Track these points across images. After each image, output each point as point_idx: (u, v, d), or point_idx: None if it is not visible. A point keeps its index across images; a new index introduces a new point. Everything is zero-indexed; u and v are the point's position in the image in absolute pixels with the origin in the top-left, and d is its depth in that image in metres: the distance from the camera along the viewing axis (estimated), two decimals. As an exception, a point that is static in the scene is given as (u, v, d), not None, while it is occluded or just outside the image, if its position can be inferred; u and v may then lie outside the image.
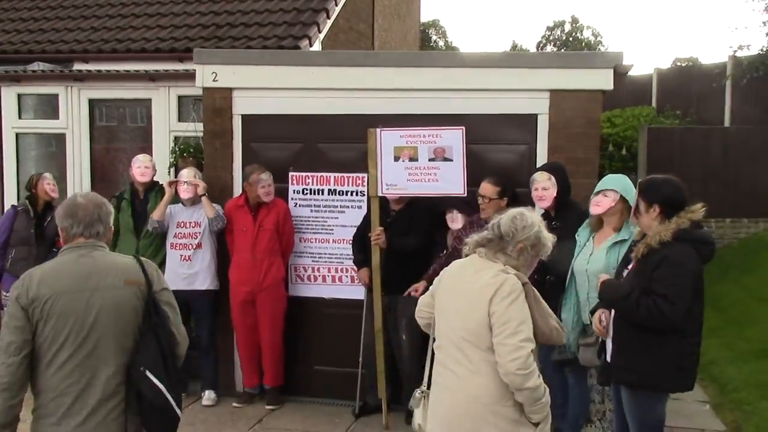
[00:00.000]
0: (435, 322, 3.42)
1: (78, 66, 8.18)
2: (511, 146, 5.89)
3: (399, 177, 5.37)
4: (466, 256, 3.41)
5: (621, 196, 4.50)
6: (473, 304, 3.17)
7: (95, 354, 3.01)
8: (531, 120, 5.82)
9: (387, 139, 5.38)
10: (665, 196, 3.87)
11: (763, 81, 12.57)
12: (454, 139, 5.27)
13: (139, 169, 6.21)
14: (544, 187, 5.03)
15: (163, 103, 7.20)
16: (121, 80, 7.33)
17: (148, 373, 3.02)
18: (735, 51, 13.43)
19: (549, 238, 3.32)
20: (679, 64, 18.30)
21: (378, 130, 5.39)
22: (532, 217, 3.32)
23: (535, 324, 3.16)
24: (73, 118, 7.38)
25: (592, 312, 4.26)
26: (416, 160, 5.35)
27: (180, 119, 7.18)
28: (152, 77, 7.13)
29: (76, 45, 8.41)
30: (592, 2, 54.62)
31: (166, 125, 7.22)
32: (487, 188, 5.25)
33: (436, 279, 3.51)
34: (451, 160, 5.29)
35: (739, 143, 11.41)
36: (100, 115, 7.48)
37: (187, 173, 6.03)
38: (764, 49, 12.96)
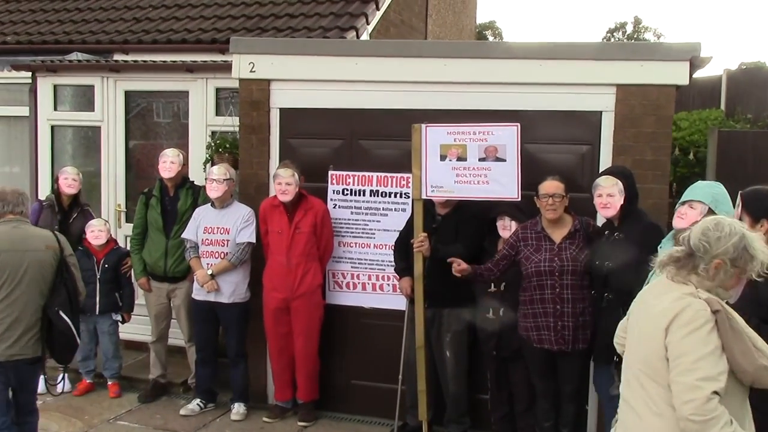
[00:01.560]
0: None
1: (117, 57, 7.86)
2: (571, 146, 5.34)
3: (445, 178, 4.86)
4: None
5: (710, 209, 3.91)
6: (650, 333, 2.74)
7: (23, 297, 4.21)
8: (594, 117, 5.27)
9: (433, 136, 4.88)
10: None
11: (843, 82, 11.65)
12: (507, 137, 4.74)
13: (165, 164, 5.82)
14: (610, 193, 4.46)
15: (201, 95, 6.80)
16: (157, 71, 6.97)
17: (61, 313, 4.28)
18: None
19: (760, 250, 2.72)
20: (744, 68, 17.34)
21: (423, 125, 4.90)
22: (732, 225, 2.76)
23: (733, 360, 2.61)
24: (108, 111, 7.05)
25: None
26: (465, 159, 4.83)
27: (218, 113, 6.79)
28: (189, 68, 6.75)
29: (116, 36, 8.10)
30: (655, 3, 53.01)
31: (203, 119, 6.82)
32: (556, 186, 4.73)
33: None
34: (504, 161, 4.76)
35: (817, 148, 10.51)
36: (136, 108, 7.12)
37: (218, 171, 5.62)
38: None
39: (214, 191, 5.58)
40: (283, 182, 5.41)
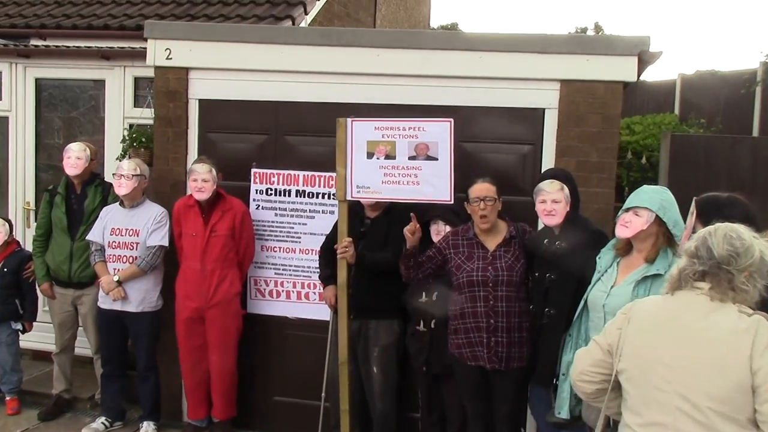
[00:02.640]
0: (627, 387, 2.58)
1: (35, 43, 7.26)
2: (512, 146, 4.96)
3: (372, 178, 4.41)
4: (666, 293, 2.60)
5: (657, 216, 3.52)
6: (723, 362, 2.36)
7: None
8: (537, 115, 4.89)
9: (359, 132, 4.42)
10: (734, 220, 2.93)
11: (795, 88, 11.55)
12: (440, 133, 4.29)
13: (69, 159, 5.27)
14: (555, 199, 4.05)
15: (118, 85, 6.26)
16: (71, 57, 6.39)
17: None
18: (767, 55, 12.42)
19: None
20: (699, 73, 17.32)
21: (349, 120, 4.44)
22: (747, 232, 2.51)
23: None
24: (17, 100, 6.47)
25: None
26: (393, 157, 4.37)
27: (136, 104, 6.25)
28: (105, 55, 6.20)
29: (34, 20, 7.48)
30: (616, 9, 53.43)
31: (120, 110, 6.28)
32: (488, 188, 4.32)
33: (619, 319, 2.64)
34: (436, 159, 4.31)
35: (770, 154, 10.33)
36: (48, 98, 6.53)
37: (127, 166, 5.09)
38: (799, 55, 11.94)
39: (122, 188, 5.05)
40: (199, 179, 4.91)
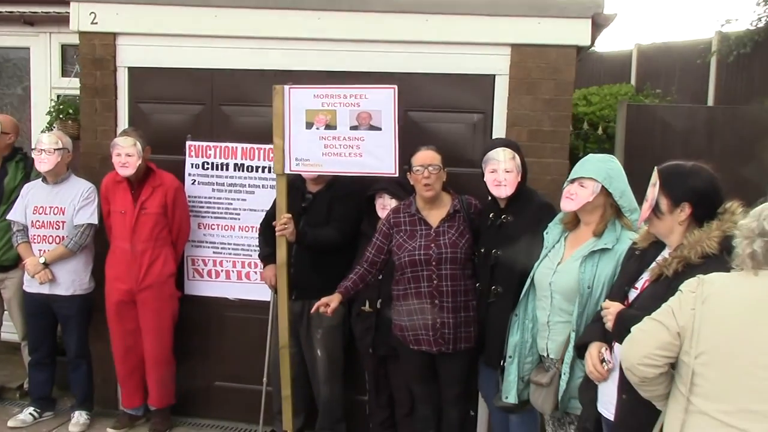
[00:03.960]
0: (704, 371, 2.32)
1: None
2: (461, 114, 4.70)
3: (312, 149, 4.12)
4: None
5: (603, 186, 3.29)
6: None
7: None
8: (487, 82, 4.64)
9: (297, 100, 4.12)
10: (699, 191, 2.74)
11: (751, 58, 11.47)
12: (383, 101, 4.01)
13: None
14: (507, 169, 3.79)
15: (44, 53, 5.85)
16: (-11, 23, 5.95)
17: None
18: (722, 25, 12.34)
19: None
20: (655, 44, 17.31)
21: (286, 87, 4.13)
22: None
23: None
24: (-66, 70, 6.01)
25: (579, 347, 3.06)
26: (334, 127, 4.08)
27: (64, 74, 5.83)
28: (29, 20, 5.77)
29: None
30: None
31: (47, 80, 5.88)
32: (432, 156, 4.04)
33: (688, 299, 2.36)
34: (380, 129, 4.03)
35: (726, 124, 10.25)
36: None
37: (47, 139, 4.71)
38: (754, 24, 11.87)
39: (43, 164, 4.68)
40: (123, 153, 4.56)
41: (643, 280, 2.82)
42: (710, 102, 12.77)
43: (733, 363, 2.27)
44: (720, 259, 2.57)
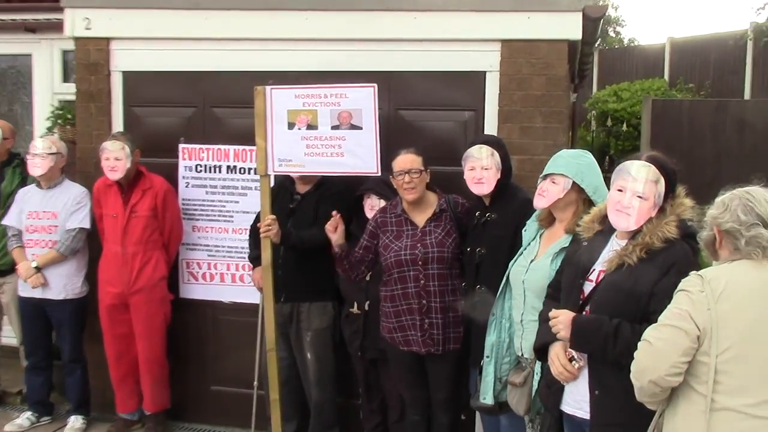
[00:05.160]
0: (727, 368, 2.36)
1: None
2: (451, 112, 4.74)
3: (294, 150, 4.18)
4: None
5: (575, 182, 3.29)
6: None
7: None
8: (477, 79, 4.67)
9: (279, 100, 4.19)
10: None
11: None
12: (363, 100, 4.05)
13: None
14: (485, 166, 3.82)
15: (46, 59, 6.03)
16: (-7, 31, 6.14)
17: None
18: (758, 12, 12.12)
19: None
20: (688, 37, 17.09)
21: (268, 87, 4.20)
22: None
23: None
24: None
25: (539, 349, 3.06)
26: (316, 127, 4.14)
27: (65, 79, 6.00)
28: (31, 27, 5.97)
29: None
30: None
31: (50, 86, 6.06)
32: (412, 159, 4.08)
33: (699, 299, 2.39)
34: (360, 129, 4.08)
35: (758, 118, 10.05)
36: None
37: (42, 144, 4.86)
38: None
39: (36, 168, 4.83)
40: (111, 157, 4.69)
41: (597, 271, 2.81)
42: (747, 95, 12.52)
43: (757, 355, 2.31)
44: (679, 243, 2.68)
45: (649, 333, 2.43)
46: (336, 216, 4.05)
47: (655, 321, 2.46)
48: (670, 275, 2.64)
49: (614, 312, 2.70)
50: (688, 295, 2.40)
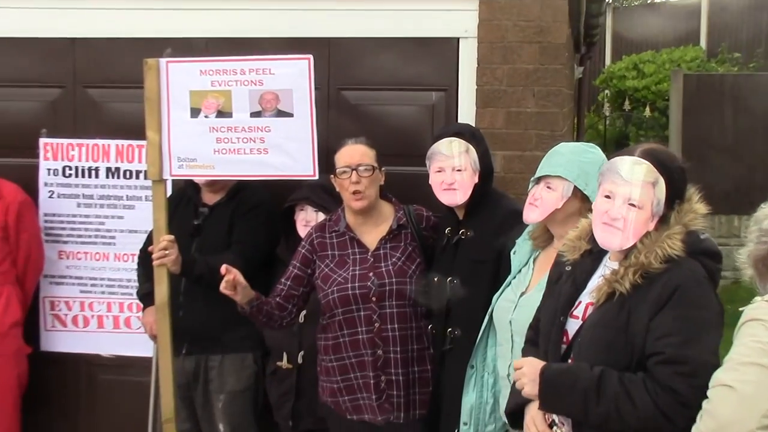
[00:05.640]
0: None
1: None
2: (412, 93, 4.95)
3: (200, 145, 4.24)
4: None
5: (576, 187, 3.39)
6: None
7: None
8: (448, 48, 4.88)
9: (178, 78, 4.24)
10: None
11: None
12: (295, 76, 4.13)
13: None
14: (457, 167, 3.91)
15: None
16: None
17: None
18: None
19: None
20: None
21: (162, 60, 4.26)
22: None
23: None
24: None
25: (513, 412, 3.14)
26: (230, 114, 4.21)
27: None
28: None
29: None
30: None
31: None
32: (362, 152, 4.15)
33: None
34: (291, 116, 4.16)
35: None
36: None
37: None
38: None
39: None
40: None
41: (584, 304, 2.90)
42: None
43: None
44: (686, 261, 2.71)
45: (727, 376, 2.48)
46: (231, 275, 3.92)
47: (665, 364, 2.56)
48: (671, 304, 2.67)
49: (602, 358, 2.74)
50: (765, 325, 2.48)
